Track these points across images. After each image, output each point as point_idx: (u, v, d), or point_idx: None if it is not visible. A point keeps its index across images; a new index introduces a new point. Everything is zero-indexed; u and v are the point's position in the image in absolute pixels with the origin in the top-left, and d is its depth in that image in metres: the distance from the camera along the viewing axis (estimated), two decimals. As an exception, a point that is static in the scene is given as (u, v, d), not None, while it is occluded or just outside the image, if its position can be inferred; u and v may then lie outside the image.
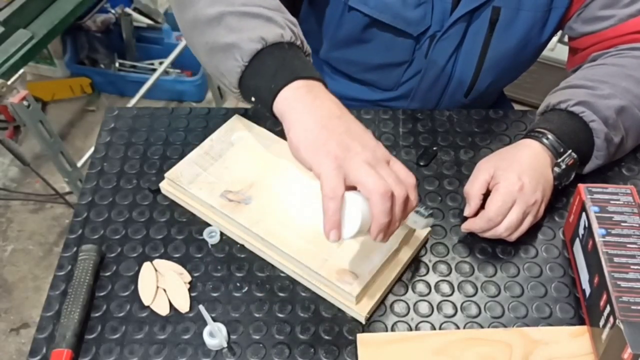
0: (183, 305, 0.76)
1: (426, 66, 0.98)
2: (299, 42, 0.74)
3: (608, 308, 0.66)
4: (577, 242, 0.78)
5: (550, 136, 0.81)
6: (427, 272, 0.80)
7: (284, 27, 0.73)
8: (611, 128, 0.83)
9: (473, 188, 0.79)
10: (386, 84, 1.02)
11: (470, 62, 0.97)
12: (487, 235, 0.79)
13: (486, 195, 0.79)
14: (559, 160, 0.82)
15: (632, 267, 0.68)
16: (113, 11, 2.17)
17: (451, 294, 0.77)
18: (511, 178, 0.77)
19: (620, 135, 0.84)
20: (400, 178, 0.65)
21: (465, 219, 0.81)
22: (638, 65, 0.88)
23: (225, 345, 0.72)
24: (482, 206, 0.79)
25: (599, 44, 0.93)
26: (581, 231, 0.77)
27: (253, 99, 0.74)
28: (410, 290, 0.78)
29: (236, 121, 0.93)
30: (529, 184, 0.77)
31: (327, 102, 0.69)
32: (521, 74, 1.07)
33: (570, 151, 0.82)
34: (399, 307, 0.76)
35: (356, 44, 0.97)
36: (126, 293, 0.77)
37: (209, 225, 0.83)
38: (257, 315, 0.75)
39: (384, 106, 1.05)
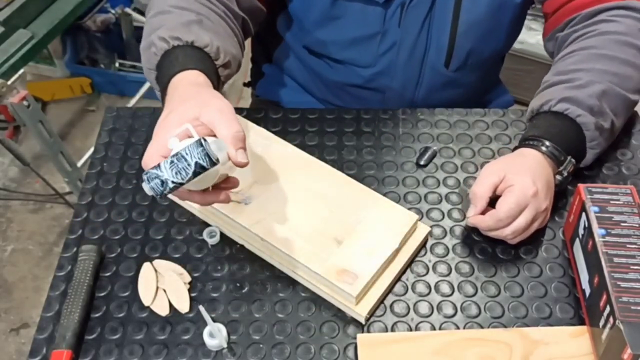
0: (183, 305, 0.76)
1: (401, 36, 0.97)
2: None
3: (608, 308, 0.66)
4: (577, 242, 0.78)
5: (547, 143, 0.81)
6: (427, 272, 0.80)
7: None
8: (598, 116, 0.83)
9: (481, 189, 0.79)
10: (365, 60, 1.02)
11: (444, 27, 0.97)
12: (491, 234, 0.79)
13: (492, 198, 0.79)
14: (561, 168, 0.82)
15: (632, 267, 0.68)
16: (113, 11, 2.17)
17: (451, 294, 0.77)
18: (527, 182, 0.77)
19: (609, 119, 0.84)
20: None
21: (463, 219, 0.81)
22: (605, 42, 0.86)
23: (225, 345, 0.72)
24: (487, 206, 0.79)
25: (566, 5, 0.92)
26: (581, 231, 0.77)
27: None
28: (410, 290, 0.78)
29: (236, 121, 0.93)
30: (541, 190, 0.77)
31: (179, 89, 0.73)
32: (505, 44, 1.05)
33: (569, 157, 0.82)
34: (399, 307, 0.76)
35: (328, 21, 0.98)
36: (126, 293, 0.77)
37: (208, 225, 0.83)
38: (257, 315, 0.75)
39: (371, 88, 1.05)
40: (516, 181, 0.77)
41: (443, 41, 0.98)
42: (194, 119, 0.65)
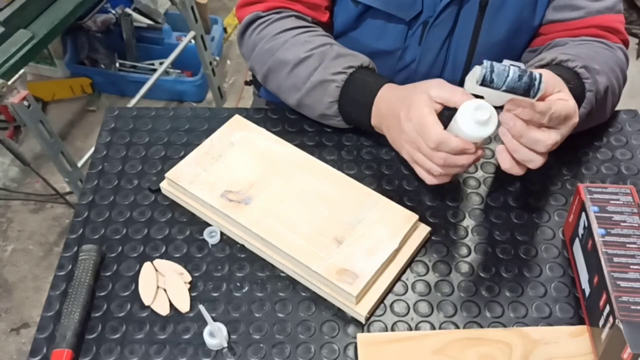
0: (183, 305, 0.76)
1: (420, 54, 0.98)
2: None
3: (607, 308, 0.66)
4: (577, 241, 0.78)
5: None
6: (427, 272, 0.80)
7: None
8: (598, 108, 0.85)
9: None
10: (382, 73, 1.03)
11: (463, 47, 0.98)
12: (528, 139, 0.71)
13: None
14: None
15: (631, 267, 0.68)
16: (113, 11, 2.17)
17: (451, 294, 0.77)
18: (577, 111, 0.73)
19: (598, 116, 0.88)
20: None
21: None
22: (611, 56, 0.91)
23: (225, 345, 0.72)
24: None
25: (563, 32, 0.95)
26: (581, 231, 0.77)
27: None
28: (410, 290, 0.78)
29: (236, 121, 0.93)
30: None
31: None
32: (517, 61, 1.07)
33: None
34: (399, 307, 0.76)
35: (350, 32, 1.00)
36: (126, 293, 0.77)
37: (209, 225, 0.84)
38: (257, 315, 0.75)
39: None
40: (572, 101, 0.73)
41: (460, 60, 0.99)
42: (430, 100, 0.76)
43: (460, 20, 0.95)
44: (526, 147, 0.71)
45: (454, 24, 0.95)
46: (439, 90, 0.76)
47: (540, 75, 0.65)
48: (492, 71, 0.63)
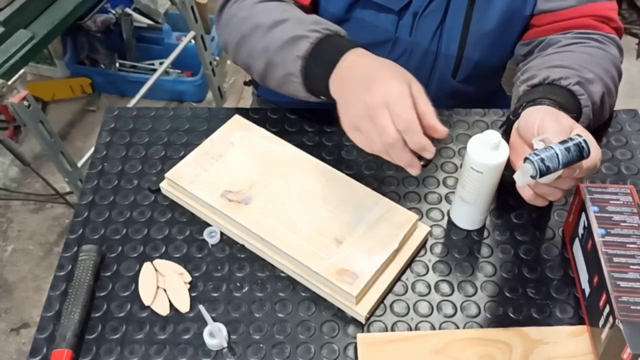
0: (183, 305, 0.76)
1: (411, 46, 0.98)
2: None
3: (607, 308, 0.66)
4: (577, 241, 0.78)
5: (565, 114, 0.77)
6: (427, 272, 0.80)
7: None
8: (596, 117, 0.85)
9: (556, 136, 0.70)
10: None
11: (454, 37, 0.97)
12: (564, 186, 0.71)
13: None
14: None
15: (631, 267, 0.68)
16: (113, 11, 2.17)
17: (451, 294, 0.77)
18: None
19: (598, 121, 0.88)
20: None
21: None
22: (604, 56, 0.90)
23: (225, 345, 0.72)
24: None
25: (556, 23, 0.94)
26: (581, 231, 0.77)
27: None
28: (410, 290, 0.78)
29: (236, 121, 0.93)
30: None
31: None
32: (510, 54, 1.05)
33: None
34: (399, 307, 0.76)
35: (340, 23, 0.98)
36: (126, 293, 0.77)
37: (209, 225, 0.84)
38: (257, 315, 0.75)
39: None
40: (589, 134, 0.71)
41: (452, 51, 0.99)
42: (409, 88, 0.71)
43: (451, 9, 0.94)
44: (550, 186, 0.71)
45: (445, 13, 0.94)
46: (419, 89, 0.72)
47: (580, 136, 0.66)
48: (542, 160, 0.64)
